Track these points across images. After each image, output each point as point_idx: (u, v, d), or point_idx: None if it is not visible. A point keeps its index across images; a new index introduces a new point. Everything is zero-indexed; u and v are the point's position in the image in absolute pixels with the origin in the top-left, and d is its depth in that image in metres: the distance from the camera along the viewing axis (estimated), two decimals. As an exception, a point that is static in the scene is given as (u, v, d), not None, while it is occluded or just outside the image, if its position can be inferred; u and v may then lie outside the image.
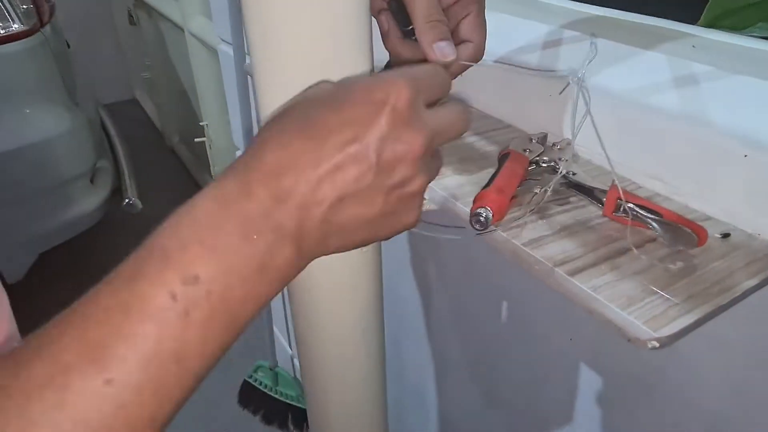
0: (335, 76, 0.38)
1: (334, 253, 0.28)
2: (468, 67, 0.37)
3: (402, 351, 0.98)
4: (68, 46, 1.85)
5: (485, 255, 0.70)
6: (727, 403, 0.46)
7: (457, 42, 0.36)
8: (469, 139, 0.54)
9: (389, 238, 0.30)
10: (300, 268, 0.27)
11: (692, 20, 0.56)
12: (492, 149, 0.51)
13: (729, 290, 0.34)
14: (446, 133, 0.29)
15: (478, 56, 0.37)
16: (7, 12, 1.44)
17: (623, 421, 0.59)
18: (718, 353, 0.45)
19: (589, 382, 0.61)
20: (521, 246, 0.38)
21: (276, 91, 0.39)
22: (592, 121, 0.37)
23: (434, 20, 0.33)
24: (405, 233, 0.38)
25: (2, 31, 1.43)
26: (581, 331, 0.60)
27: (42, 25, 1.54)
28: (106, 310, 0.23)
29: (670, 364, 0.50)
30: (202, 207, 0.25)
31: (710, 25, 0.55)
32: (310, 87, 0.30)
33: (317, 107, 0.27)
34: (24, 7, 1.49)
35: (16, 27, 1.46)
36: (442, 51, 0.33)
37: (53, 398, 0.21)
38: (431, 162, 0.29)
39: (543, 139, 0.49)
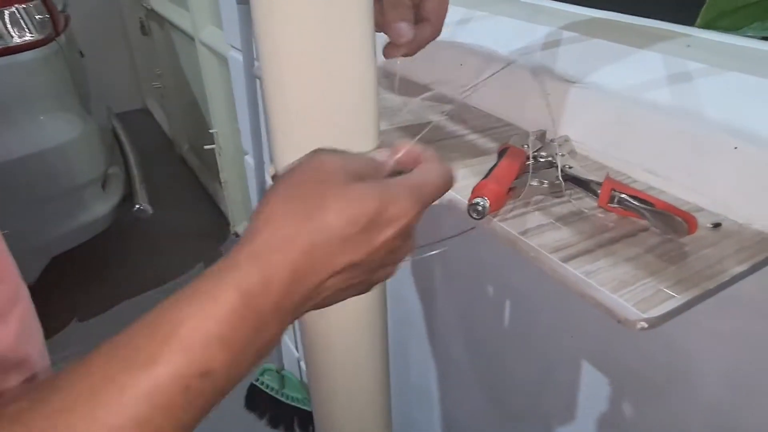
0: (338, 80, 0.40)
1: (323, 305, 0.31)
2: (426, 44, 0.41)
3: (407, 351, 0.99)
4: (82, 56, 1.89)
5: (489, 255, 0.72)
6: (732, 399, 0.47)
7: (419, 20, 0.40)
8: (470, 137, 0.55)
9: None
10: None
11: (689, 22, 0.58)
12: (492, 146, 0.53)
13: (718, 275, 0.35)
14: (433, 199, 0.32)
15: (435, 35, 0.42)
16: (24, 22, 1.47)
17: (628, 418, 0.59)
18: (723, 349, 0.46)
19: (593, 380, 0.62)
20: (517, 235, 0.39)
21: (283, 95, 0.41)
22: (548, 103, 0.38)
23: (397, 1, 0.37)
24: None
25: (18, 40, 1.46)
26: (585, 329, 0.61)
27: (57, 34, 1.57)
28: (120, 390, 0.23)
29: (676, 361, 0.50)
30: (226, 301, 0.26)
31: (707, 26, 0.57)
32: (319, 155, 0.30)
33: (333, 206, 0.28)
34: (39, 17, 1.52)
35: (31, 36, 1.49)
36: (399, 32, 0.37)
37: None
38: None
39: (542, 135, 0.50)
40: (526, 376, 0.74)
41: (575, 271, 0.35)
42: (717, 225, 0.40)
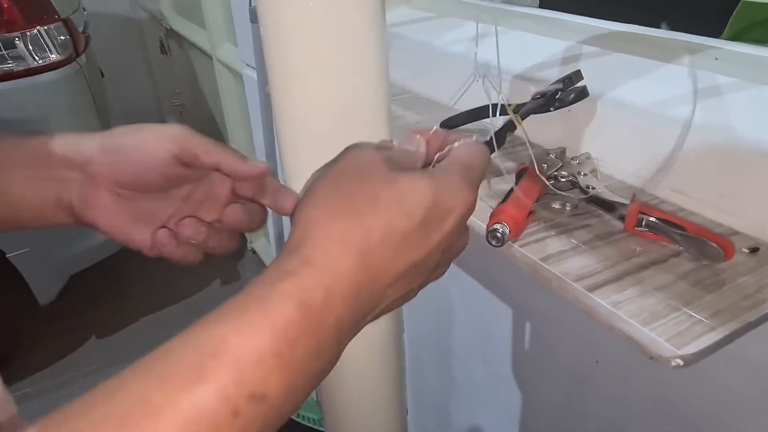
0: (350, 92, 0.38)
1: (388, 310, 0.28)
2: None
3: (423, 370, 0.97)
4: (102, 75, 1.92)
5: (508, 276, 0.69)
6: (759, 428, 0.44)
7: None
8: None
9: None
10: None
11: (715, 35, 0.55)
12: (509, 165, 0.51)
13: (758, 306, 0.32)
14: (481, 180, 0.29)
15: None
16: (45, 43, 1.50)
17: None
18: (749, 376, 0.43)
19: (619, 408, 0.59)
20: (539, 261, 0.37)
21: (291, 112, 0.40)
22: (506, 103, 0.36)
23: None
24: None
25: (41, 61, 1.49)
26: (607, 353, 0.58)
27: (77, 54, 1.60)
28: (155, 413, 0.19)
29: (710, 393, 0.47)
30: (283, 313, 0.22)
31: (734, 38, 0.54)
32: (353, 150, 0.27)
33: (385, 201, 0.25)
34: (61, 38, 1.55)
35: (53, 57, 1.52)
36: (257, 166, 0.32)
37: None
38: None
39: (561, 153, 0.48)
40: (547, 400, 0.71)
41: (602, 301, 0.33)
42: (754, 250, 0.37)
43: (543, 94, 0.47)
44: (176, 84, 2.70)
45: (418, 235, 0.25)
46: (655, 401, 0.54)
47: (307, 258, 0.23)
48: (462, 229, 0.27)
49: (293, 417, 1.33)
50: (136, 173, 0.32)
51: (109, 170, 0.32)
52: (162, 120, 3.42)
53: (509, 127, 0.45)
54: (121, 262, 1.85)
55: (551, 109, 0.46)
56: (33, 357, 1.67)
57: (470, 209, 0.26)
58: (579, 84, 0.47)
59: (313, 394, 1.37)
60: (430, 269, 0.27)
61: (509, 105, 0.49)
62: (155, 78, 3.26)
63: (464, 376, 0.87)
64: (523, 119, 0.45)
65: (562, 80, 0.47)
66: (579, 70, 0.48)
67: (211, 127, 2.33)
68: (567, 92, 0.46)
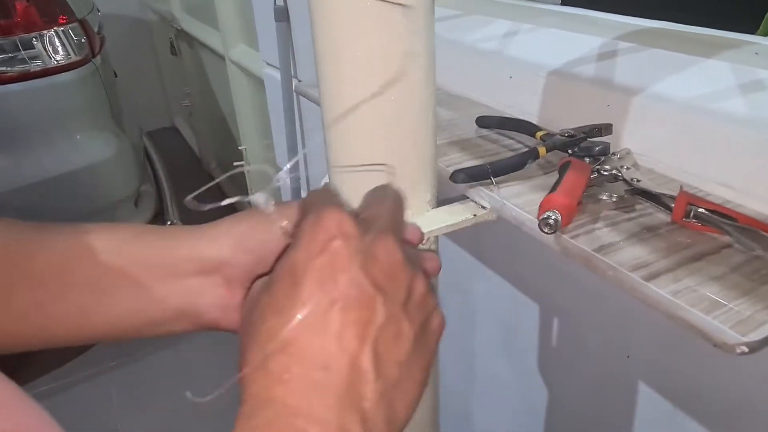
0: (399, 99, 0.39)
1: (408, 414, 0.24)
2: None
3: (446, 368, 0.97)
4: (116, 76, 1.93)
5: (534, 271, 0.69)
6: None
7: None
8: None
9: (433, 354, 0.26)
10: None
11: (749, 32, 0.56)
12: (549, 161, 0.51)
13: (817, 295, 0.32)
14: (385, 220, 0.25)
15: None
16: (62, 43, 1.51)
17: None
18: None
19: (651, 404, 0.59)
20: (592, 252, 0.37)
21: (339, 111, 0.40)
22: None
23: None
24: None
25: (57, 61, 1.50)
26: (640, 348, 0.58)
27: (93, 55, 1.61)
28: None
29: (745, 387, 0.47)
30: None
31: (770, 33, 0.55)
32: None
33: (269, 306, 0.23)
34: (77, 39, 1.56)
35: (69, 58, 1.53)
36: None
37: None
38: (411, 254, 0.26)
39: (604, 148, 0.48)
40: (575, 397, 0.71)
41: (661, 291, 0.33)
42: (806, 241, 0.37)
43: (570, 135, 0.49)
44: (186, 85, 2.71)
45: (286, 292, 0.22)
46: (689, 395, 0.54)
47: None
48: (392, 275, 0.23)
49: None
50: (266, 267, 0.29)
51: (249, 270, 0.29)
52: (171, 121, 3.43)
53: (532, 154, 0.46)
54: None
55: (569, 152, 0.48)
56: (47, 355, 1.67)
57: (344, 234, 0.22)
58: (606, 137, 0.49)
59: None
60: (388, 300, 0.23)
61: (539, 131, 0.51)
62: (165, 79, 3.27)
63: (488, 373, 0.87)
64: (547, 152, 0.47)
65: (592, 128, 0.49)
66: (611, 125, 0.50)
67: (221, 126, 2.34)
68: (591, 143, 0.48)
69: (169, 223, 1.80)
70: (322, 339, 0.21)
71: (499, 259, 0.75)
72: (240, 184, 2.20)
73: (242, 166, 1.90)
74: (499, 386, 0.85)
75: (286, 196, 1.18)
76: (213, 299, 0.29)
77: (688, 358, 0.52)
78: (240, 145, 1.92)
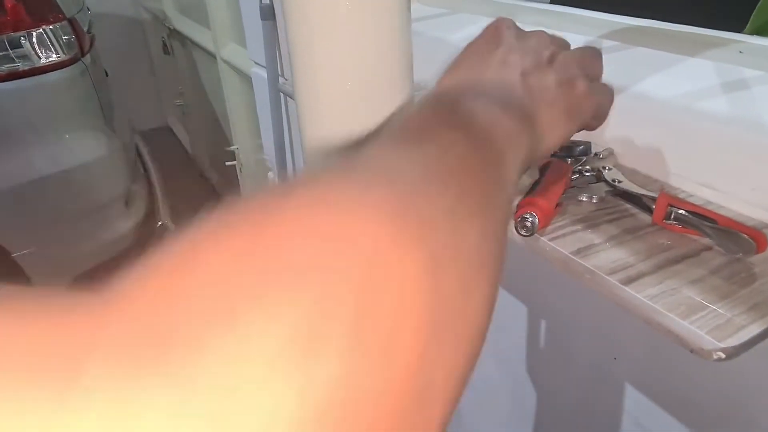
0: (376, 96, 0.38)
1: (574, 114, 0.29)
2: None
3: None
4: (106, 75, 1.92)
5: (522, 273, 0.69)
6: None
7: None
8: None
9: (599, 108, 0.31)
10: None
11: (737, 29, 0.55)
12: (532, 160, 0.50)
13: (797, 299, 0.32)
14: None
15: None
16: (51, 42, 1.50)
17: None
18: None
19: (638, 406, 0.59)
20: (570, 255, 0.36)
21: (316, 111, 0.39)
22: None
23: None
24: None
25: (46, 61, 1.48)
26: (626, 350, 0.57)
27: (83, 54, 1.59)
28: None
29: (732, 389, 0.47)
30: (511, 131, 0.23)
31: (757, 32, 0.54)
32: None
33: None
34: (66, 38, 1.55)
35: (58, 57, 1.52)
36: None
37: None
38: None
39: (585, 149, 0.48)
40: (564, 398, 0.70)
41: (638, 295, 0.32)
42: (787, 243, 0.37)
43: None
44: (179, 84, 2.70)
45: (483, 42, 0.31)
46: (675, 397, 0.53)
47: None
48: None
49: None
50: None
51: None
52: (164, 121, 3.42)
53: None
54: (126, 262, 1.84)
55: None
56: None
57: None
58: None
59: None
60: (529, 51, 0.29)
61: None
62: (158, 78, 3.26)
63: (478, 374, 0.86)
64: None
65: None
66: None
67: (214, 126, 2.32)
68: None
69: (160, 223, 1.79)
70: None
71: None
72: (233, 184, 2.19)
73: (234, 165, 1.89)
74: (489, 387, 0.85)
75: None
76: None
77: (674, 360, 0.51)
78: (231, 145, 1.91)
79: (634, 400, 0.59)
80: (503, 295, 0.73)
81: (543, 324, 0.70)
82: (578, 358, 0.65)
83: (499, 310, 0.72)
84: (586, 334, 0.62)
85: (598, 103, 0.31)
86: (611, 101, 0.32)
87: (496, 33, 0.31)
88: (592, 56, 0.32)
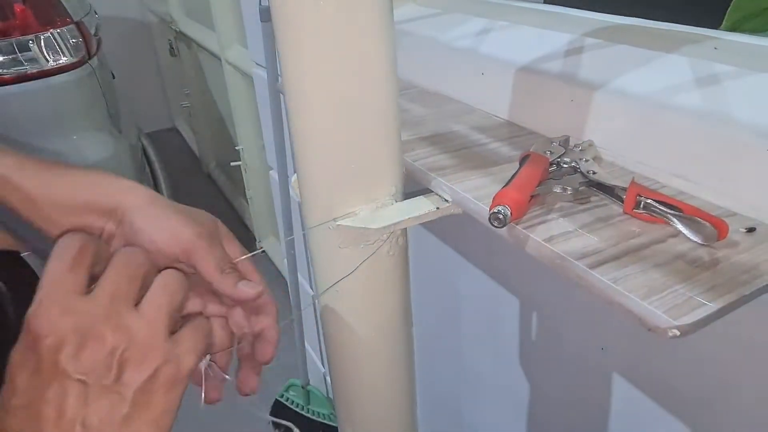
0: (361, 91, 0.40)
1: None
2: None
3: (433, 365, 0.98)
4: (113, 77, 1.95)
5: (513, 265, 0.70)
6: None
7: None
8: (493, 145, 0.55)
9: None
10: None
11: (713, 26, 0.56)
12: (514, 154, 0.52)
13: (754, 280, 0.33)
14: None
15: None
16: (59, 45, 1.53)
17: None
18: (762, 361, 0.44)
19: (625, 395, 0.60)
20: (542, 242, 0.38)
21: (304, 105, 0.42)
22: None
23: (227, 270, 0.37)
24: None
25: (54, 63, 1.52)
26: (613, 341, 0.59)
27: (89, 57, 1.63)
28: None
29: (712, 375, 0.48)
30: None
31: (732, 29, 0.56)
32: None
33: None
34: (74, 40, 1.58)
35: (66, 59, 1.55)
36: (245, 292, 0.37)
37: None
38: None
39: (565, 141, 0.49)
40: (554, 390, 0.72)
41: (602, 277, 0.34)
42: (751, 229, 0.38)
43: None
44: (185, 86, 2.74)
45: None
46: (661, 386, 0.55)
47: None
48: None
49: (304, 413, 1.35)
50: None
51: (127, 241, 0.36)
52: (172, 122, 3.46)
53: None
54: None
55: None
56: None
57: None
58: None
59: (324, 390, 1.38)
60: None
61: None
62: (165, 80, 3.30)
63: (472, 368, 0.88)
64: None
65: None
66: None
67: (220, 127, 2.36)
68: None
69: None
70: None
71: (480, 253, 0.77)
72: (238, 184, 2.22)
73: (239, 165, 1.92)
74: (482, 379, 0.86)
75: (276, 191, 1.20)
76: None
77: (660, 350, 0.53)
78: (237, 146, 1.94)
79: (622, 389, 0.60)
80: (496, 289, 0.75)
81: (534, 316, 0.72)
82: (568, 350, 0.66)
83: (492, 304, 0.74)
84: (574, 325, 0.64)
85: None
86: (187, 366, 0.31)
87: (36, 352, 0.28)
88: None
